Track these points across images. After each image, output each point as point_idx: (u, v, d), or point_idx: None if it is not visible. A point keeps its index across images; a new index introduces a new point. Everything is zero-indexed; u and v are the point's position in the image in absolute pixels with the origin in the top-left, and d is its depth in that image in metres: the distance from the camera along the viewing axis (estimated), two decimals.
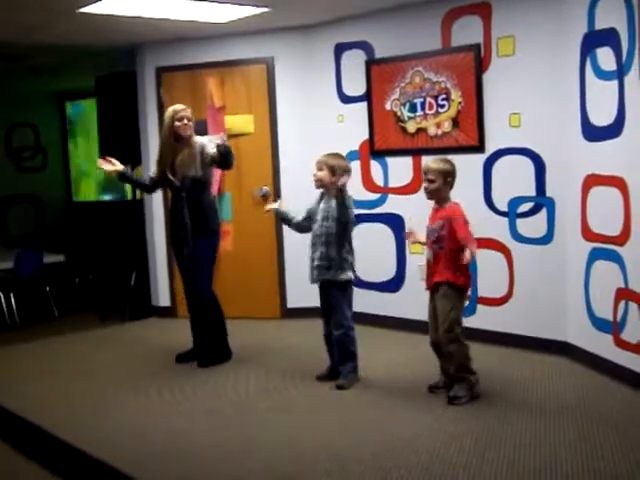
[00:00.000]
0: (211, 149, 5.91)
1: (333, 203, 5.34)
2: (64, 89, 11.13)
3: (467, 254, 4.72)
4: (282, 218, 5.79)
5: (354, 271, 5.50)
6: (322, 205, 5.47)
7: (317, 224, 5.46)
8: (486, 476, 3.84)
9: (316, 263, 5.44)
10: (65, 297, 9.18)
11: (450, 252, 4.92)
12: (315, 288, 5.58)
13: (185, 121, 5.99)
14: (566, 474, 3.83)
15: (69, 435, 4.66)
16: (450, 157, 6.38)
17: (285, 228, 7.49)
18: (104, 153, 8.31)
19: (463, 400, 4.95)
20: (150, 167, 8.03)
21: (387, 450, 4.26)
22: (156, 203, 8.07)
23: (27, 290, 8.66)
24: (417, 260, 6.87)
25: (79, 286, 9.60)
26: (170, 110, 6.08)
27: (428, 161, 5.16)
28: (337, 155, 5.53)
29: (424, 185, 5.09)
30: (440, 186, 4.99)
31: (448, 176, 4.99)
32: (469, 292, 5.27)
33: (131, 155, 8.19)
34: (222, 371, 6.00)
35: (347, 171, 5.45)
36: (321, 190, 5.52)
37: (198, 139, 6.04)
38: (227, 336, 6.32)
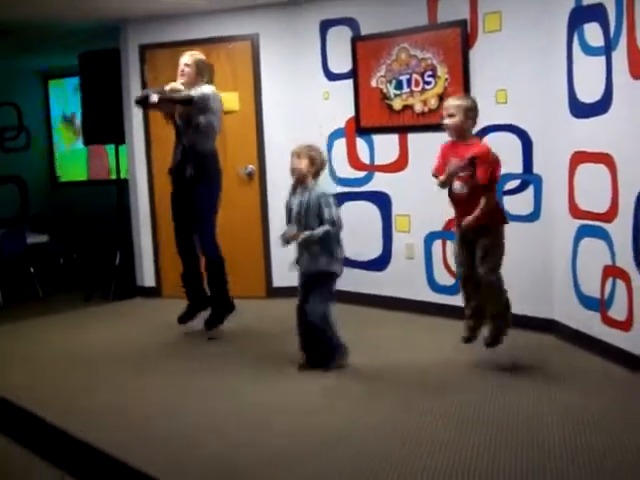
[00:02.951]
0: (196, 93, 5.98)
1: (309, 195, 5.20)
2: (47, 67, 11.01)
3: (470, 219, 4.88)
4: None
5: (341, 266, 5.34)
6: (297, 198, 5.28)
7: (294, 220, 5.28)
8: (472, 453, 3.84)
9: (300, 254, 5.31)
10: (49, 277, 9.12)
11: (482, 188, 4.93)
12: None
13: (181, 67, 6.14)
14: (550, 452, 3.83)
15: (53, 416, 4.62)
16: (436, 135, 6.40)
17: (271, 207, 7.50)
18: (87, 131, 8.29)
19: (503, 338, 5.15)
20: (134, 144, 7.99)
21: (376, 434, 4.25)
22: (140, 182, 8.01)
23: (11, 271, 8.59)
24: (404, 238, 6.87)
25: (63, 266, 9.53)
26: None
27: (449, 99, 5.23)
28: (316, 148, 5.39)
29: (445, 121, 5.07)
30: (461, 121, 4.97)
31: (469, 111, 4.99)
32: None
33: (115, 133, 8.13)
34: (211, 351, 5.97)
35: (325, 165, 5.41)
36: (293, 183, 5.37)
37: (207, 89, 6.06)
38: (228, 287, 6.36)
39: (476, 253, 5.05)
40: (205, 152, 6.11)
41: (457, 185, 5.04)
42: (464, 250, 5.15)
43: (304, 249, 5.27)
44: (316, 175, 5.31)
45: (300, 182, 5.30)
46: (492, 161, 4.95)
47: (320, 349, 5.37)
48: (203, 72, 6.16)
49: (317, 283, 5.29)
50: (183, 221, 6.27)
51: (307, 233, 5.16)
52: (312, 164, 5.25)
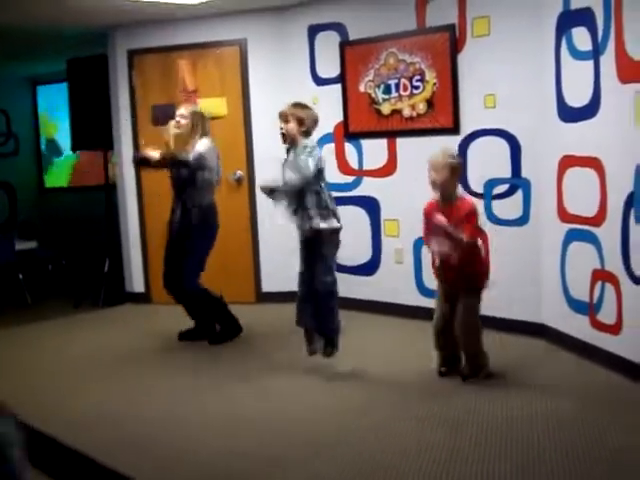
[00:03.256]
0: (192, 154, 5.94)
1: (294, 153, 5.12)
2: (35, 73, 10.99)
3: (440, 218, 4.77)
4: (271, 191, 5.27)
5: (338, 218, 5.24)
6: (289, 159, 5.19)
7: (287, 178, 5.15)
8: (465, 455, 3.83)
9: (296, 215, 5.21)
10: (38, 284, 9.08)
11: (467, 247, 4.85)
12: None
13: (178, 119, 6.10)
14: (540, 455, 3.82)
15: (40, 422, 4.60)
16: (424, 140, 6.40)
17: (260, 212, 7.48)
18: (76, 137, 8.26)
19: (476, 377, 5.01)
20: (122, 150, 7.97)
21: (361, 435, 4.24)
22: (129, 188, 7.99)
23: None
24: (393, 243, 6.87)
25: (52, 272, 9.50)
26: None
27: (433, 156, 4.96)
28: (303, 104, 5.31)
29: (430, 179, 4.90)
30: (447, 179, 4.84)
31: (455, 169, 4.88)
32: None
33: (103, 138, 8.12)
34: (200, 356, 5.96)
35: (316, 121, 5.25)
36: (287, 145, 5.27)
37: (203, 147, 6.01)
38: (228, 310, 6.34)
39: (457, 310, 4.96)
40: (202, 207, 6.11)
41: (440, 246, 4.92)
42: (446, 303, 5.06)
43: (299, 210, 5.17)
44: (307, 134, 5.20)
45: (291, 144, 5.21)
46: (476, 222, 4.91)
47: (322, 319, 5.31)
48: (198, 124, 6.11)
49: (319, 246, 5.19)
50: (171, 266, 6.28)
51: (271, 184, 5.10)
52: (300, 124, 5.15)
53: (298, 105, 5.28)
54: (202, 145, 6.01)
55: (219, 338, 6.26)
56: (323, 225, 5.15)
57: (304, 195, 5.12)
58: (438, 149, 5.05)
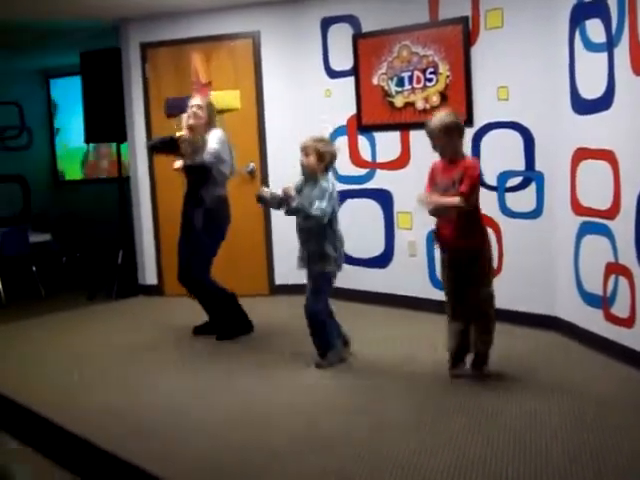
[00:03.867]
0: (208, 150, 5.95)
1: (315, 192, 5.17)
2: (49, 66, 11.02)
3: (426, 197, 4.85)
4: (272, 201, 5.43)
5: (338, 265, 5.32)
6: (305, 192, 5.26)
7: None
8: (474, 452, 3.82)
9: (297, 254, 5.36)
10: (52, 276, 9.12)
11: (471, 211, 4.80)
12: None
13: (194, 109, 6.06)
14: (551, 449, 3.81)
15: (54, 414, 4.61)
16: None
17: None
18: (89, 130, 8.29)
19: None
20: (136, 143, 7.98)
21: (372, 432, 4.24)
22: (142, 181, 8.01)
23: (13, 270, 8.59)
24: (406, 235, 6.86)
25: (66, 265, 9.53)
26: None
27: (429, 121, 4.90)
28: (324, 140, 5.37)
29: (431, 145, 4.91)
30: (445, 143, 4.80)
31: (450, 129, 4.78)
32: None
33: (117, 132, 8.14)
34: (211, 349, 5.97)
35: (335, 157, 5.32)
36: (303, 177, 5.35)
37: (216, 139, 6.00)
38: (241, 307, 6.32)
39: (467, 280, 4.89)
40: (214, 199, 6.10)
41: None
42: (451, 271, 4.98)
43: (304, 249, 5.29)
44: (326, 169, 5.26)
45: (309, 177, 5.27)
46: (476, 176, 4.82)
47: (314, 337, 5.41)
48: (213, 115, 6.14)
49: (313, 282, 5.33)
50: (185, 259, 6.26)
51: (295, 199, 5.17)
52: (320, 159, 5.19)
53: (320, 140, 5.31)
54: (215, 138, 6.00)
55: (227, 334, 6.22)
56: (320, 270, 5.27)
57: (309, 240, 5.26)
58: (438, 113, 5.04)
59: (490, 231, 6.13)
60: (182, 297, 6.56)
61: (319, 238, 5.21)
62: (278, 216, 7.18)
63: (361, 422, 4.36)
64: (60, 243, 9.46)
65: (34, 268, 8.51)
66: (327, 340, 5.39)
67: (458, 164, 4.81)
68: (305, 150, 5.23)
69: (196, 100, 6.15)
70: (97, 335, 6.61)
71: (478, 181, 4.87)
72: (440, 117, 4.86)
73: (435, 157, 5.00)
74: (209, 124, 6.08)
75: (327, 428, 4.30)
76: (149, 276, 8.14)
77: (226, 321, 6.28)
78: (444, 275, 5.07)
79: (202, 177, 6.03)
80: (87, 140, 8.67)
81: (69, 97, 10.93)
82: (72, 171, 11.42)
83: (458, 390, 4.76)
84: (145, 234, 8.09)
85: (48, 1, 6.60)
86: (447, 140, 4.79)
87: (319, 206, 5.10)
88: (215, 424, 4.45)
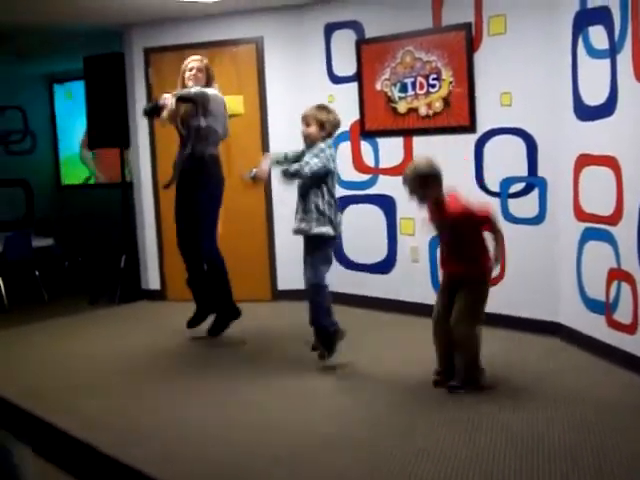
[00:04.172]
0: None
1: (312, 151, 5.26)
2: (52, 71, 11.04)
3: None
4: (276, 162, 5.55)
5: (334, 226, 5.33)
6: (305, 158, 5.29)
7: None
8: (476, 457, 3.82)
9: (296, 215, 5.39)
10: (55, 281, 9.13)
11: (469, 243, 4.80)
12: None
13: (194, 71, 6.07)
14: (554, 453, 3.81)
15: (57, 419, 4.62)
16: (441, 138, 6.39)
17: (276, 210, 7.49)
18: (92, 135, 8.29)
19: (462, 392, 4.77)
20: (139, 148, 7.99)
21: (368, 438, 4.24)
22: (145, 186, 8.02)
23: (16, 274, 8.60)
24: (409, 241, 6.86)
25: (69, 269, 9.54)
26: (186, 60, 6.18)
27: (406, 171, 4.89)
28: (325, 108, 5.40)
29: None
30: (424, 192, 4.77)
31: (427, 179, 4.74)
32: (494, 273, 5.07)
33: (120, 136, 8.14)
34: (213, 354, 5.97)
35: (337, 125, 5.39)
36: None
37: (209, 90, 6.03)
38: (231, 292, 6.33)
39: (455, 301, 4.83)
40: (205, 157, 6.06)
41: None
42: (445, 294, 4.95)
43: (301, 205, 5.34)
44: (328, 137, 5.34)
45: (310, 145, 5.33)
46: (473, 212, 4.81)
47: (312, 316, 5.43)
48: (211, 77, 6.16)
49: (311, 252, 5.37)
50: (184, 225, 6.26)
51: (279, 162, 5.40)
52: (321, 128, 5.27)
53: (321, 108, 5.38)
54: (209, 89, 6.05)
55: (218, 327, 6.27)
56: (315, 230, 5.28)
57: (306, 195, 5.29)
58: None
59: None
60: (185, 302, 6.56)
61: (315, 194, 5.25)
62: (281, 221, 7.20)
63: (361, 427, 4.35)
64: (63, 247, 9.47)
65: (37, 272, 8.52)
66: (329, 319, 5.40)
67: (442, 207, 4.79)
68: (306, 119, 5.32)
69: (195, 62, 6.12)
70: (100, 340, 6.61)
71: (471, 212, 4.80)
72: (415, 167, 4.82)
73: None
74: (209, 84, 6.12)
75: (326, 432, 4.29)
76: (152, 281, 8.15)
77: (218, 306, 6.28)
78: (437, 296, 5.08)
79: (194, 131, 6.00)
80: (90, 146, 8.67)
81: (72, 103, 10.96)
82: (74, 175, 11.42)
83: (458, 396, 4.75)
84: (148, 239, 8.10)
85: (52, 6, 6.62)
86: (424, 190, 4.76)
87: (308, 160, 5.18)
88: (216, 428, 4.45)
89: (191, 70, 6.08)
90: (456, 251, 4.87)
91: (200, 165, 6.07)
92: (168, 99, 5.89)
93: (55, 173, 11.58)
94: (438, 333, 4.94)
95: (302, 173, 5.14)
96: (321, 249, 5.35)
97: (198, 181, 6.07)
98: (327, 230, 5.29)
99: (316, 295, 5.37)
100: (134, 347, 6.30)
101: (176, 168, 6.21)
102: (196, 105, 5.93)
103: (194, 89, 5.96)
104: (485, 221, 4.80)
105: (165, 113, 5.97)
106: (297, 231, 5.40)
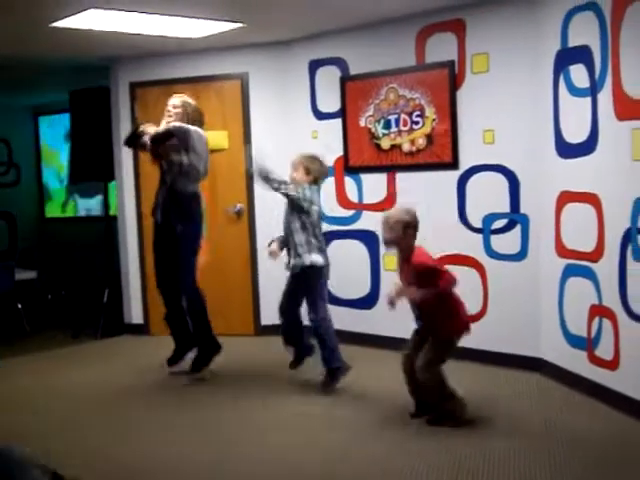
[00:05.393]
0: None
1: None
2: (38, 103, 11.06)
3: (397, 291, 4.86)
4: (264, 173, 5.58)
5: (323, 253, 5.61)
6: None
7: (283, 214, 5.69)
8: None
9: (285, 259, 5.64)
10: (37, 314, 9.08)
11: (432, 302, 4.79)
12: None
13: (170, 108, 6.08)
14: None
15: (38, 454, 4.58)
16: (424, 175, 6.43)
17: (260, 245, 7.49)
18: (75, 168, 8.27)
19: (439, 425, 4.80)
20: (124, 182, 7.99)
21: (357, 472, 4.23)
22: (129, 219, 8.02)
23: None
24: (392, 277, 6.87)
25: (51, 302, 9.50)
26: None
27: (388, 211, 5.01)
28: (315, 157, 5.64)
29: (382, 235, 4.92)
30: (399, 237, 4.79)
31: (408, 227, 4.79)
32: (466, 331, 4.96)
33: (103, 170, 8.14)
34: (200, 389, 5.95)
35: (324, 175, 5.66)
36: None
37: (191, 127, 6.01)
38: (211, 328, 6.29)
39: (419, 356, 4.85)
40: (186, 194, 6.05)
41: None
42: (416, 337, 5.02)
43: (292, 249, 5.57)
44: (313, 183, 5.59)
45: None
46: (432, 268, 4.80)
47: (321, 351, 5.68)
48: (189, 115, 6.10)
49: (304, 287, 5.60)
50: (163, 261, 6.24)
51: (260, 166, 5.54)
52: (307, 173, 5.52)
53: (311, 156, 5.64)
54: (191, 127, 6.02)
55: (200, 363, 6.22)
56: (307, 262, 5.53)
57: (292, 231, 5.55)
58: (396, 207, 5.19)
59: (475, 273, 6.19)
60: (168, 337, 6.54)
61: (300, 230, 5.52)
62: (265, 256, 7.21)
63: (354, 455, 4.35)
64: (46, 280, 9.44)
65: (19, 305, 8.48)
66: (335, 352, 5.62)
67: (410, 261, 4.83)
68: (294, 165, 5.60)
69: (173, 100, 6.13)
70: (81, 374, 6.54)
71: (434, 268, 4.80)
72: (399, 212, 4.87)
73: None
74: (188, 121, 6.07)
75: (311, 465, 4.28)
76: (135, 315, 8.12)
77: (198, 341, 6.24)
78: (411, 334, 5.11)
79: (175, 168, 6.00)
80: (72, 180, 8.66)
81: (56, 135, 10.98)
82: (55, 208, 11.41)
83: (434, 430, 4.75)
84: (131, 273, 8.08)
85: (39, 40, 6.65)
86: (402, 237, 4.79)
87: (290, 186, 5.49)
88: (201, 464, 4.42)
89: (171, 108, 6.08)
90: (419, 307, 4.91)
91: (180, 201, 6.06)
92: (147, 126, 5.98)
93: (39, 206, 11.55)
94: (406, 370, 5.00)
95: (281, 187, 5.45)
96: (316, 282, 5.59)
97: (178, 217, 6.06)
98: (318, 260, 5.53)
99: (323, 333, 5.62)
100: (116, 383, 6.24)
101: (156, 204, 6.21)
102: (178, 139, 5.94)
103: (172, 124, 5.97)
104: (439, 275, 4.72)
105: (146, 137, 6.00)
106: (293, 267, 5.60)
